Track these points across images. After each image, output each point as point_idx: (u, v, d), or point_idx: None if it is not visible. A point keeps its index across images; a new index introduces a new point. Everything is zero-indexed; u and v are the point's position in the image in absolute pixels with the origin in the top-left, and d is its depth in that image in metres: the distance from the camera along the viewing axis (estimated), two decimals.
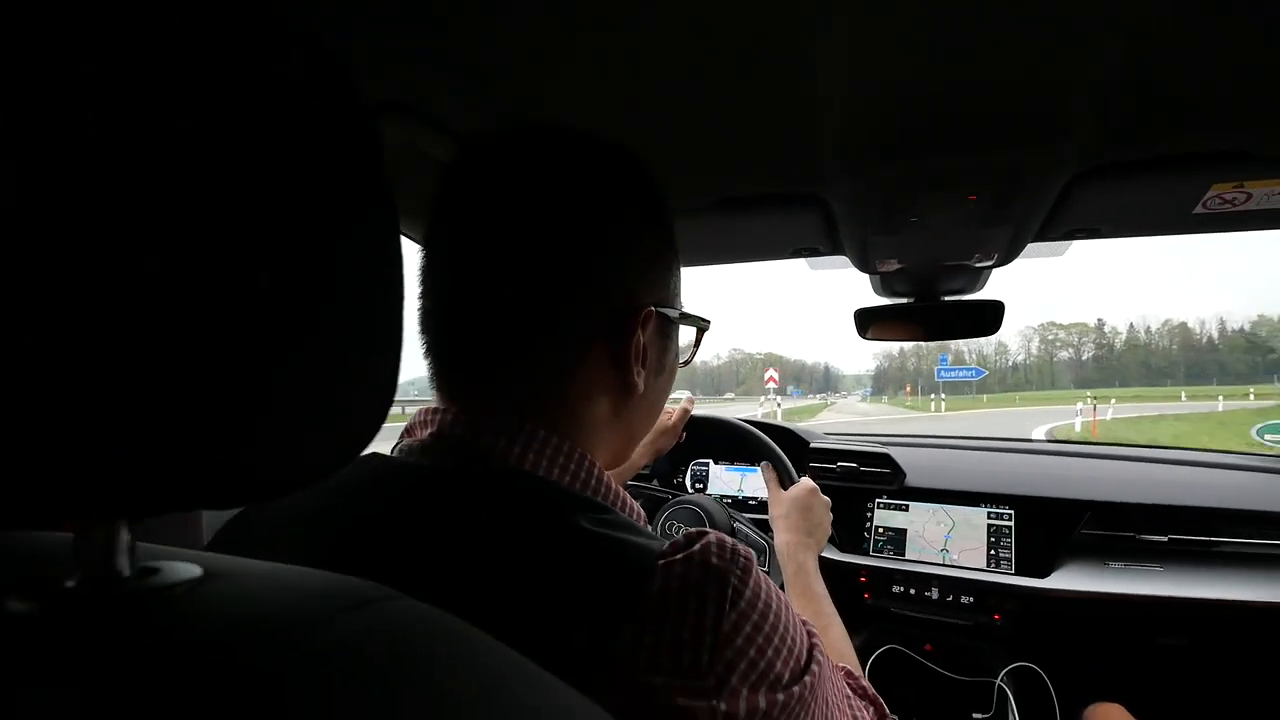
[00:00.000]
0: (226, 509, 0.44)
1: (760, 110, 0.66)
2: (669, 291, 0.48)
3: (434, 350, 0.45)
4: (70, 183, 0.18)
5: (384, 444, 0.40)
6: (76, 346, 0.18)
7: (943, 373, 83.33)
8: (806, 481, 0.99)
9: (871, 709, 0.52)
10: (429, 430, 0.43)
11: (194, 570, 0.25)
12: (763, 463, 1.04)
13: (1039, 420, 27.06)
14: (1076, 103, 0.60)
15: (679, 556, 0.34)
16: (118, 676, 0.19)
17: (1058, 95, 0.59)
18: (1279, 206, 0.78)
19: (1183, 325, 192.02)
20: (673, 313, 0.48)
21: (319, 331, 0.23)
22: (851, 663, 0.67)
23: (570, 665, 0.28)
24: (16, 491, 0.21)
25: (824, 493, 1.47)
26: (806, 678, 0.37)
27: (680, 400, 1.10)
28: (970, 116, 0.63)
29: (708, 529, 0.37)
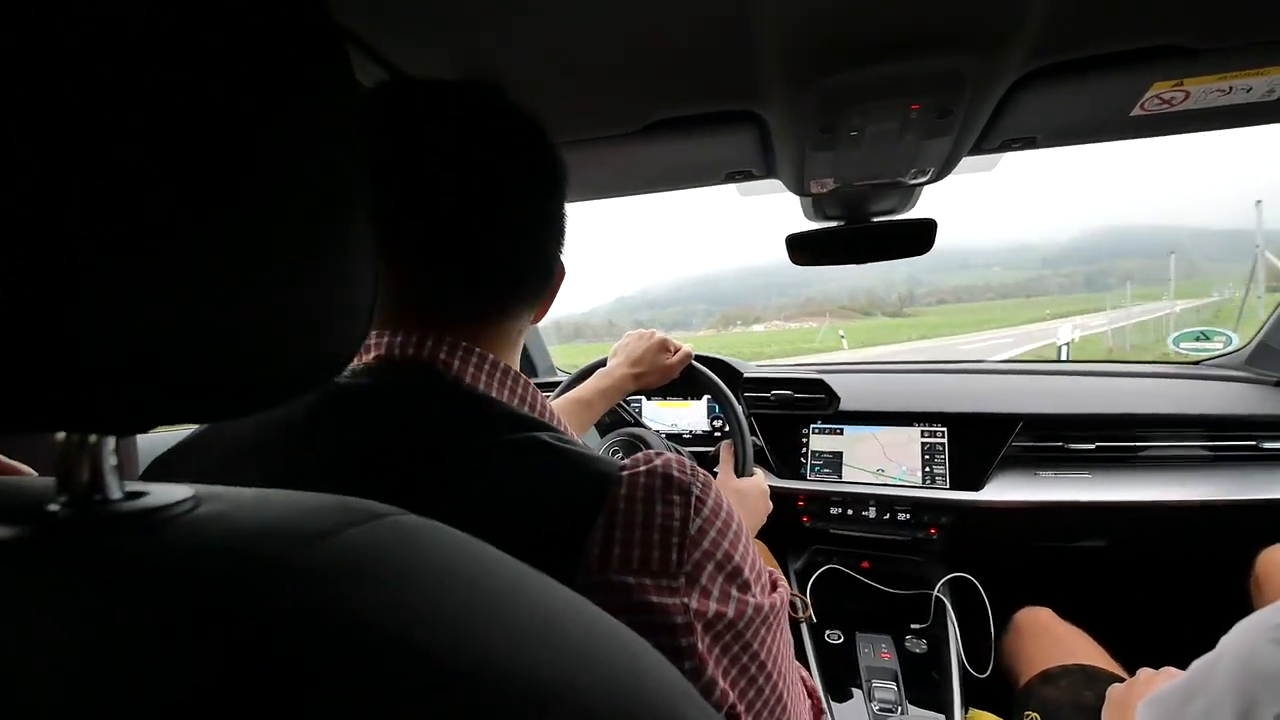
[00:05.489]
0: (215, 421, 0.44)
1: (693, 22, 0.59)
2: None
3: None
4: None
5: None
6: (53, 249, 0.17)
7: None
8: (759, 481, 0.94)
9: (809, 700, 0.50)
10: (372, 354, 0.44)
11: (185, 491, 0.24)
12: (725, 442, 1.00)
13: None
14: (1024, 1, 0.55)
15: (642, 469, 0.35)
16: (125, 591, 0.18)
17: None
18: (1215, 105, 0.75)
19: None
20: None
21: (297, 241, 0.22)
22: None
23: (545, 572, 0.28)
24: None
25: (759, 422, 1.47)
26: (775, 596, 0.38)
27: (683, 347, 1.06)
28: (915, 19, 0.58)
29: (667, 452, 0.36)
